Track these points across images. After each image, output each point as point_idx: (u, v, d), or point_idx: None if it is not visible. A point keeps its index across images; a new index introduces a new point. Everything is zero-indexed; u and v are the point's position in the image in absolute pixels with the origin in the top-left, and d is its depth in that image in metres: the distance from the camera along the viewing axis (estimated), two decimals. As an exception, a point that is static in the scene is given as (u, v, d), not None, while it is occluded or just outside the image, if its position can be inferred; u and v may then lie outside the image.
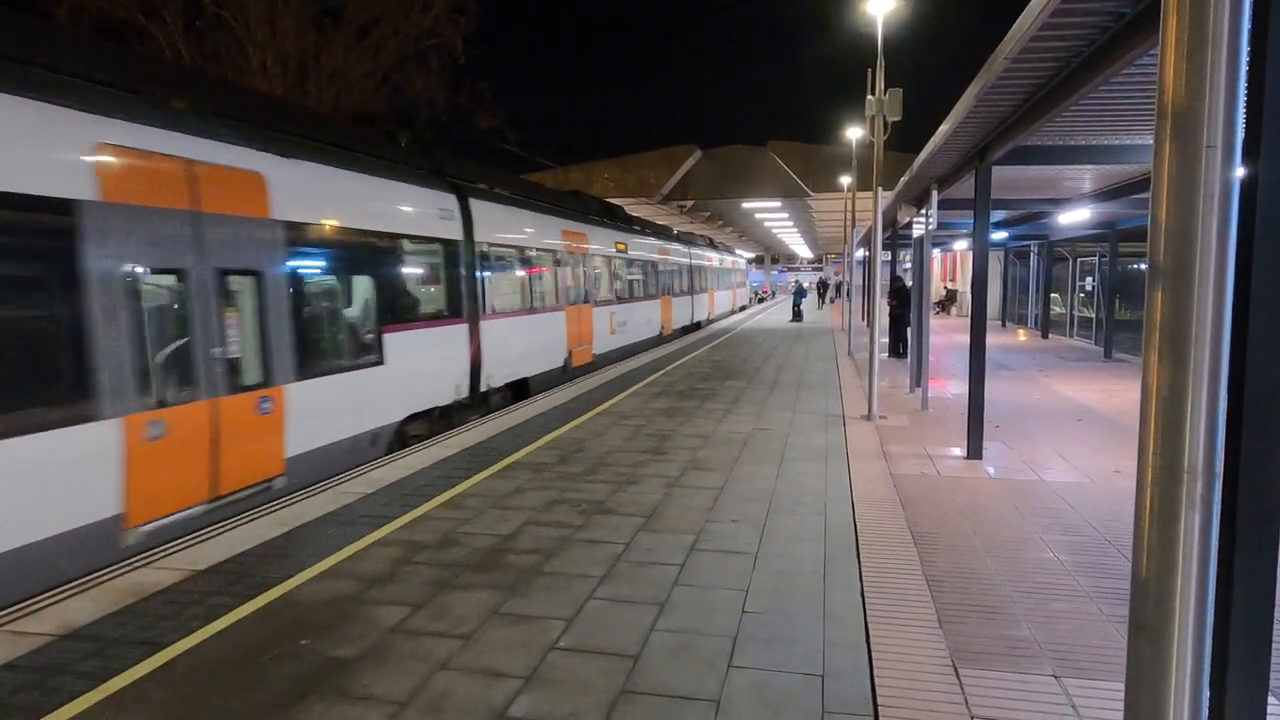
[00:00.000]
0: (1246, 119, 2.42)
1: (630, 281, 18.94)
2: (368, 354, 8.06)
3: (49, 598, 4.40)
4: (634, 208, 31.53)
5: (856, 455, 7.73)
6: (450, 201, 9.93)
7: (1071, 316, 21.72)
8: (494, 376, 10.90)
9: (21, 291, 4.76)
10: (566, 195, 16.79)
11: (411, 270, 9.13)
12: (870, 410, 9.77)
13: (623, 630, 3.94)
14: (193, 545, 5.26)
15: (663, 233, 24.22)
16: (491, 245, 10.99)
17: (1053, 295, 22.65)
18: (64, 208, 4.91)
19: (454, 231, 9.92)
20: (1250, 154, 2.39)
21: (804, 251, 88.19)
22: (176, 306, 5.79)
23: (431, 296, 9.53)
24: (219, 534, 5.50)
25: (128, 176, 5.37)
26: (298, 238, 7.02)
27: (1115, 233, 16.59)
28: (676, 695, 3.33)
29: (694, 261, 27.36)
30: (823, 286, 51.53)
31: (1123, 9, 4.11)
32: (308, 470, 7.10)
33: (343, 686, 3.43)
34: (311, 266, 7.34)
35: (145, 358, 5.44)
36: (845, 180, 28.66)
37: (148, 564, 4.91)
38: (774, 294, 69.46)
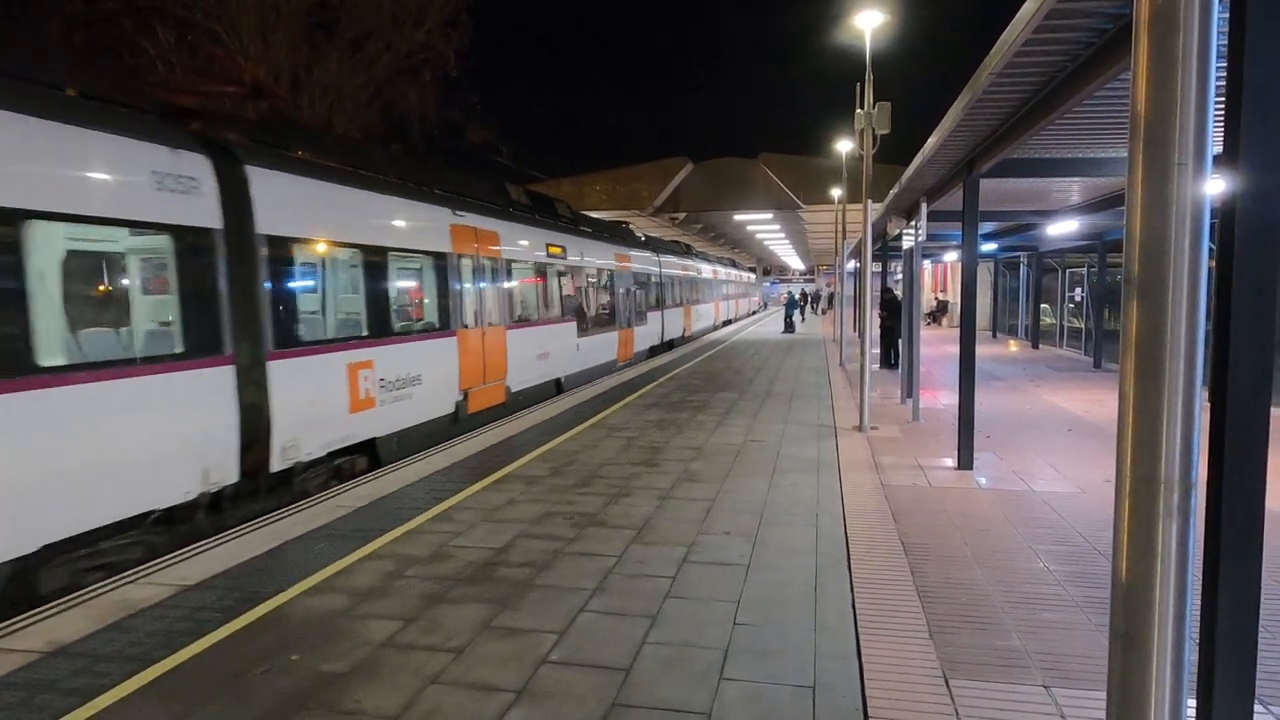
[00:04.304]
0: (1225, 133, 2.46)
1: (702, 292, 31.30)
2: (645, 318, 20.71)
3: (38, 614, 4.37)
4: (625, 221, 31.87)
5: (848, 466, 7.75)
6: (655, 258, 22.85)
7: (1061, 327, 21.85)
8: (665, 335, 23.43)
9: (618, 295, 18.34)
10: (672, 243, 30.46)
11: (649, 286, 21.57)
12: (862, 421, 9.80)
13: (614, 643, 3.94)
14: (183, 560, 5.24)
15: (709, 258, 36.35)
16: (664, 276, 23.70)
17: (1043, 306, 22.78)
18: (609, 278, 17.93)
19: (656, 270, 22.75)
20: (1229, 168, 2.43)
21: (796, 263, 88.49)
22: (631, 299, 19.47)
23: (652, 297, 21.94)
24: (209, 549, 5.48)
25: (622, 260, 18.84)
26: (636, 274, 19.94)
27: (1103, 244, 16.72)
28: (668, 708, 3.33)
29: (728, 278, 40.58)
30: (805, 298, 51.22)
31: (1104, 25, 4.17)
32: (634, 359, 19.19)
33: (333, 702, 3.42)
34: (637, 284, 19.87)
35: (627, 313, 18.95)
36: (836, 192, 28.79)
37: (137, 579, 4.89)
38: (766, 305, 69.27)
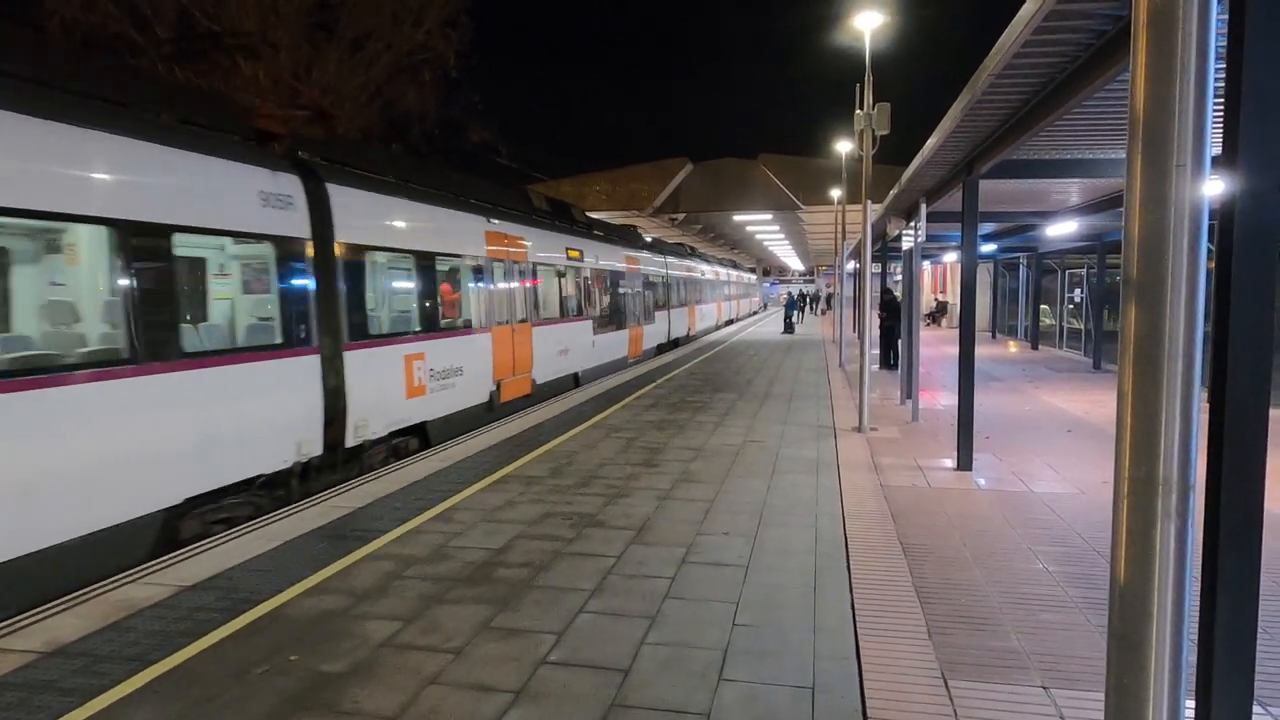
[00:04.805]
0: (1224, 134, 2.46)
1: (705, 292, 32.93)
2: (653, 318, 21.99)
3: (37, 614, 4.37)
4: (625, 221, 31.95)
5: (847, 467, 7.75)
6: (661, 260, 23.90)
7: (1061, 328, 21.86)
8: (671, 334, 24.59)
9: (629, 295, 19.50)
10: (677, 245, 31.89)
11: (656, 287, 22.74)
12: (861, 422, 9.80)
13: (614, 644, 3.94)
14: (182, 561, 5.24)
15: (710, 259, 38.60)
16: (671, 277, 25.00)
17: (1042, 307, 22.78)
18: (621, 279, 18.95)
19: (663, 271, 23.87)
20: (1228, 169, 2.43)
21: (795, 264, 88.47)
22: (641, 299, 20.63)
23: (660, 298, 23.15)
24: (208, 549, 5.48)
25: (631, 262, 20.03)
26: (645, 276, 21.22)
27: (1103, 245, 16.73)
28: (667, 709, 3.33)
29: (730, 279, 42.66)
30: (804, 299, 51.83)
31: (1103, 26, 4.18)
32: (643, 356, 20.49)
33: (332, 702, 3.42)
34: (645, 285, 21.15)
35: (638, 312, 20.19)
36: (836, 193, 28.80)
37: (137, 579, 4.89)
38: (766, 306, 69.29)
